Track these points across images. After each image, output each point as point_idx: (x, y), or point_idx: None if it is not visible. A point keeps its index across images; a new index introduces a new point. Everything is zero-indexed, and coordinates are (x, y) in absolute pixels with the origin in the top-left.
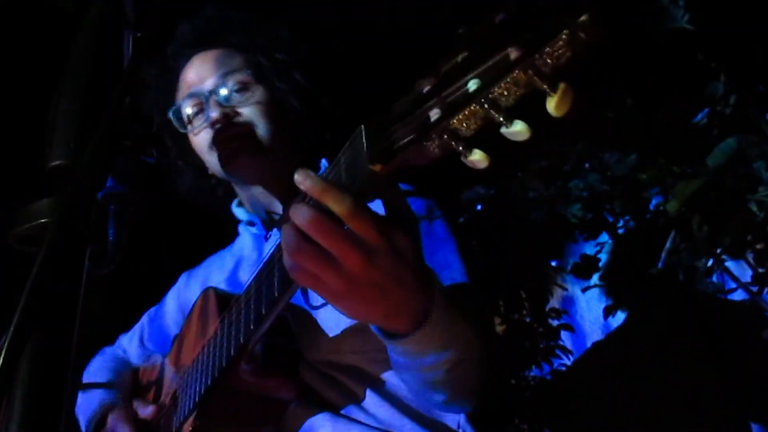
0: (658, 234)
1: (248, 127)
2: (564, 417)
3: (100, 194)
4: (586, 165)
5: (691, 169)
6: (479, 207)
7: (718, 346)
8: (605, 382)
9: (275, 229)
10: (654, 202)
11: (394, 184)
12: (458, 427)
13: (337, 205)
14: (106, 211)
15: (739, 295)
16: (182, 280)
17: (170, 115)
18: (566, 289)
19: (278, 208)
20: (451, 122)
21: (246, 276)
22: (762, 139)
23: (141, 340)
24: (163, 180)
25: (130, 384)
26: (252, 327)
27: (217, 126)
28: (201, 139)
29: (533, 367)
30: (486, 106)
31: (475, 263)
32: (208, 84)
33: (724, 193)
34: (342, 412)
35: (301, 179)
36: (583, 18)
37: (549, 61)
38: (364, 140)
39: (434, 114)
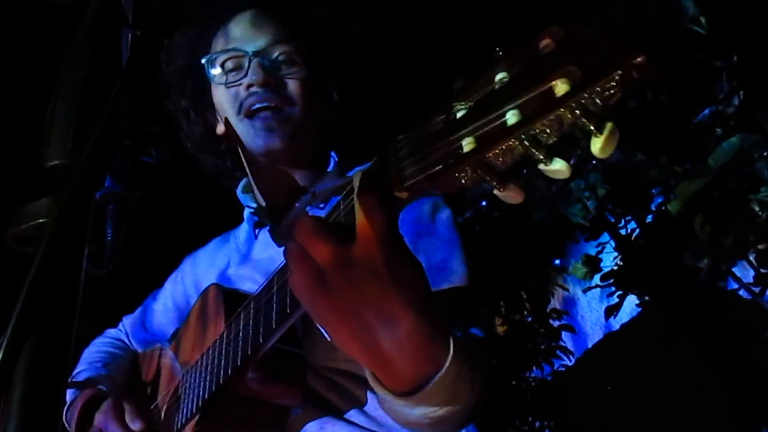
0: (660, 234)
1: (288, 103)
2: (565, 418)
3: (98, 194)
4: (588, 165)
5: (694, 169)
6: (484, 203)
7: (720, 347)
8: (606, 383)
9: (264, 229)
10: (656, 201)
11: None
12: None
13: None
14: (104, 211)
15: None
16: (186, 263)
17: (203, 60)
18: (567, 290)
19: (282, 199)
20: (486, 156)
21: (234, 271)
22: (765, 139)
23: (143, 324)
24: (162, 180)
25: (128, 370)
26: (261, 340)
27: (255, 90)
28: (229, 95)
29: (534, 368)
30: (526, 142)
31: (477, 264)
32: (255, 45)
33: (726, 193)
34: (344, 415)
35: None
36: (639, 60)
37: (598, 100)
38: (387, 165)
39: (467, 144)
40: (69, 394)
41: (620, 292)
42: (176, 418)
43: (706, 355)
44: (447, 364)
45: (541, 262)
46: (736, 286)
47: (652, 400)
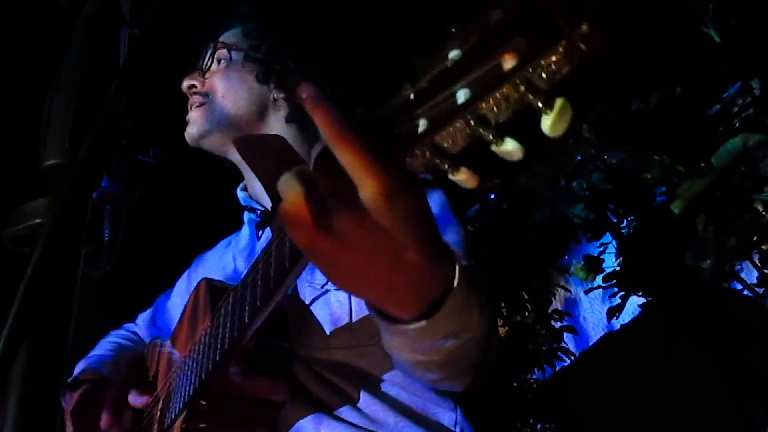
0: (662, 234)
1: (203, 96)
2: (566, 420)
3: (95, 194)
4: (590, 164)
5: (697, 169)
6: (492, 196)
7: (723, 348)
8: (608, 384)
9: (266, 229)
10: (658, 201)
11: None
12: (455, 424)
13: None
14: (101, 211)
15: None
16: (194, 263)
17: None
18: (569, 291)
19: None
20: (435, 137)
21: (240, 271)
22: None
23: (153, 320)
24: (161, 179)
25: (133, 362)
26: (236, 334)
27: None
28: None
29: (535, 369)
30: (473, 122)
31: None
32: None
33: (729, 192)
34: (335, 412)
35: (304, 91)
36: (583, 27)
37: (543, 75)
38: None
39: (422, 125)
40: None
41: (623, 293)
42: (167, 415)
43: (709, 356)
44: (456, 279)
45: (542, 263)
46: (739, 286)
47: (654, 401)
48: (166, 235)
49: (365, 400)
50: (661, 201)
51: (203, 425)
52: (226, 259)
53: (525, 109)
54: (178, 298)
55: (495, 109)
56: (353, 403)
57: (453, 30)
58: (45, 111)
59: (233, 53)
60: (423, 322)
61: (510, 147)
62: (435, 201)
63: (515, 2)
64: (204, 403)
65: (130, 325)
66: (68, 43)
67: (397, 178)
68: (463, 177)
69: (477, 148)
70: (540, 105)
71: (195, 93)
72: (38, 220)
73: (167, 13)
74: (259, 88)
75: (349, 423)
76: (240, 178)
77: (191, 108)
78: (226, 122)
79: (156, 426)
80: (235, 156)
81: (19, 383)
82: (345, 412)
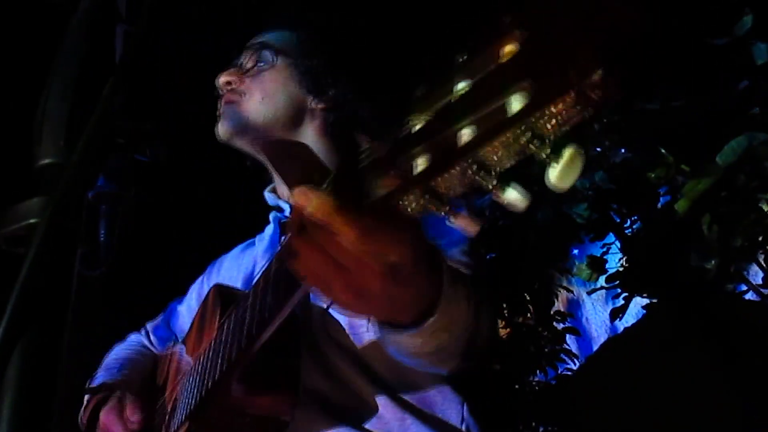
0: (666, 234)
1: (239, 96)
2: (569, 423)
3: (90, 194)
4: (593, 163)
5: (701, 168)
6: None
7: (728, 350)
8: (612, 387)
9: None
10: (662, 201)
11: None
12: (462, 421)
13: (349, 229)
14: (97, 211)
15: (749, 298)
16: (210, 268)
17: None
18: (572, 292)
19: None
20: (432, 181)
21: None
22: None
23: (167, 323)
24: (158, 179)
25: (146, 372)
26: (242, 346)
27: (221, 92)
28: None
29: (538, 371)
30: (474, 168)
31: (478, 264)
32: (241, 57)
33: (734, 192)
34: (349, 416)
35: (301, 198)
36: (595, 78)
37: (549, 124)
38: (334, 186)
39: (420, 164)
40: (86, 399)
41: (626, 294)
42: (172, 423)
43: (714, 357)
44: (444, 285)
45: (544, 264)
46: (744, 287)
47: (659, 404)
48: (165, 235)
49: (379, 401)
50: (665, 201)
51: None
52: (246, 261)
53: (529, 159)
54: (194, 302)
55: (497, 156)
56: (369, 406)
57: (461, 60)
58: (40, 109)
59: (279, 57)
60: (419, 328)
61: (513, 196)
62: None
63: (529, 39)
64: (205, 417)
65: (133, 337)
66: (63, 40)
67: (367, 220)
68: (461, 223)
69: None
70: (545, 156)
71: (231, 90)
72: (33, 220)
73: (165, 10)
74: (298, 95)
75: (363, 429)
76: (258, 178)
77: (225, 104)
78: (261, 124)
79: (166, 429)
80: (264, 157)
81: (13, 385)
82: (364, 420)
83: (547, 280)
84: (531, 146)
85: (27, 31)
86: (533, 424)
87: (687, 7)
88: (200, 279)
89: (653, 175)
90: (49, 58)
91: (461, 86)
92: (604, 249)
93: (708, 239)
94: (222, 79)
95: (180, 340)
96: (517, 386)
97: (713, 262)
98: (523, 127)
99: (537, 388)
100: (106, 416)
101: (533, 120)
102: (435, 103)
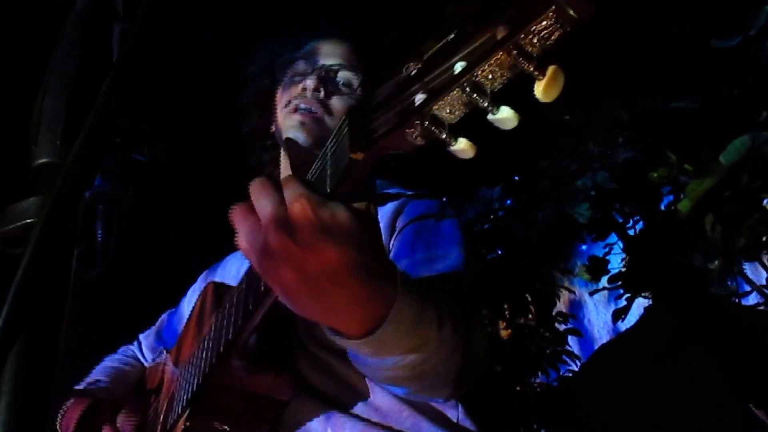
0: (669, 234)
1: (327, 112)
2: (570, 425)
3: (87, 193)
4: (595, 162)
5: (704, 167)
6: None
7: (731, 352)
8: (613, 388)
9: None
10: (665, 201)
11: (370, 183)
12: (457, 420)
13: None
14: (94, 211)
15: (753, 299)
16: (201, 278)
17: (280, 60)
18: (573, 292)
19: None
20: (433, 107)
21: None
22: None
23: (158, 334)
24: (156, 178)
25: (132, 383)
26: (240, 322)
27: (305, 93)
28: (285, 93)
29: (539, 373)
30: (468, 89)
31: (479, 265)
32: (326, 62)
33: (738, 192)
34: (340, 402)
35: (255, 187)
36: None
37: (535, 40)
38: (347, 128)
39: (419, 99)
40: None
41: (628, 295)
42: (170, 416)
43: (716, 359)
44: (396, 300)
45: (546, 264)
46: (748, 288)
47: (660, 406)
48: (164, 235)
49: (373, 391)
50: (668, 200)
51: (205, 424)
52: (243, 264)
53: (518, 75)
54: (186, 310)
55: (490, 76)
56: (362, 395)
57: (449, 10)
58: (36, 108)
59: (360, 87)
60: (369, 337)
61: (505, 114)
62: (448, 222)
63: None
64: (206, 400)
65: (124, 349)
66: (60, 38)
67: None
68: (461, 147)
69: (474, 119)
70: (532, 71)
71: (318, 100)
72: (29, 220)
73: (163, 9)
74: None
75: (358, 417)
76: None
77: (310, 115)
78: (322, 144)
79: (159, 429)
80: (285, 163)
81: (9, 387)
82: (356, 407)
83: (548, 281)
84: (520, 63)
85: (23, 30)
86: (534, 425)
87: (693, 6)
88: (191, 289)
89: (656, 175)
90: (45, 57)
91: (451, 32)
92: (606, 249)
93: (711, 239)
94: (313, 83)
95: (170, 350)
96: (518, 388)
97: (716, 262)
98: (511, 47)
99: (538, 389)
100: (98, 422)
101: (520, 38)
102: (428, 50)
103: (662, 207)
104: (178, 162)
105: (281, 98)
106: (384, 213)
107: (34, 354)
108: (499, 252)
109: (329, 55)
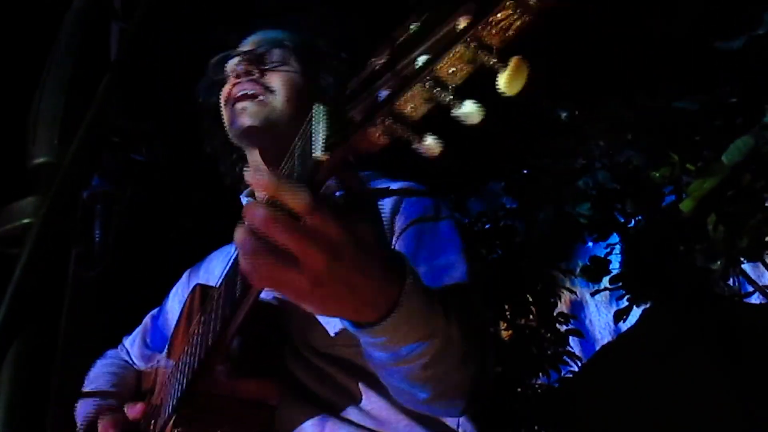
0: (671, 235)
1: (267, 91)
2: (571, 426)
3: (85, 193)
4: (597, 162)
5: (707, 167)
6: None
7: (733, 352)
8: (615, 389)
9: None
10: (667, 201)
11: (353, 169)
12: (458, 426)
13: (293, 200)
14: (92, 211)
15: (755, 299)
16: (184, 277)
17: (213, 65)
18: (575, 293)
19: None
20: (396, 104)
21: None
22: None
23: (144, 341)
24: (154, 178)
25: (132, 387)
26: (219, 329)
27: (238, 81)
28: (224, 91)
29: (540, 374)
30: (430, 84)
31: (481, 266)
32: (256, 45)
33: (740, 191)
34: (342, 414)
35: (252, 176)
36: None
37: (494, 32)
38: (311, 128)
39: (382, 95)
40: (81, 405)
41: (630, 296)
42: (159, 420)
43: (718, 359)
44: (406, 280)
45: (547, 264)
46: (750, 288)
47: (662, 407)
48: (163, 235)
49: (369, 398)
50: (670, 200)
51: (192, 428)
52: (224, 264)
53: (480, 69)
54: (171, 316)
55: (451, 70)
56: (357, 402)
57: (414, 2)
58: (34, 107)
59: (293, 59)
60: (389, 318)
61: (468, 109)
62: (446, 223)
63: None
64: (191, 406)
65: (112, 352)
66: (58, 37)
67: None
68: (427, 143)
69: (438, 115)
70: (494, 63)
71: (251, 81)
72: (27, 220)
73: (162, 8)
74: (310, 100)
75: (354, 423)
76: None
77: (247, 96)
78: (277, 126)
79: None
80: (254, 156)
81: (7, 385)
82: (351, 413)
83: (549, 281)
84: (480, 55)
85: (21, 29)
86: (535, 426)
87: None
88: (174, 290)
89: (658, 175)
90: (43, 56)
91: (414, 25)
92: (608, 249)
93: (713, 239)
94: (243, 66)
95: (164, 352)
96: (519, 389)
97: (719, 262)
98: (469, 39)
99: (539, 390)
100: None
101: (479, 30)
102: (391, 45)
103: (664, 207)
104: (177, 162)
105: (222, 99)
106: (380, 210)
107: (31, 354)
108: (500, 252)
109: (257, 41)
